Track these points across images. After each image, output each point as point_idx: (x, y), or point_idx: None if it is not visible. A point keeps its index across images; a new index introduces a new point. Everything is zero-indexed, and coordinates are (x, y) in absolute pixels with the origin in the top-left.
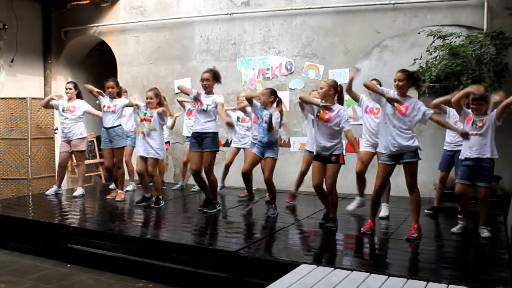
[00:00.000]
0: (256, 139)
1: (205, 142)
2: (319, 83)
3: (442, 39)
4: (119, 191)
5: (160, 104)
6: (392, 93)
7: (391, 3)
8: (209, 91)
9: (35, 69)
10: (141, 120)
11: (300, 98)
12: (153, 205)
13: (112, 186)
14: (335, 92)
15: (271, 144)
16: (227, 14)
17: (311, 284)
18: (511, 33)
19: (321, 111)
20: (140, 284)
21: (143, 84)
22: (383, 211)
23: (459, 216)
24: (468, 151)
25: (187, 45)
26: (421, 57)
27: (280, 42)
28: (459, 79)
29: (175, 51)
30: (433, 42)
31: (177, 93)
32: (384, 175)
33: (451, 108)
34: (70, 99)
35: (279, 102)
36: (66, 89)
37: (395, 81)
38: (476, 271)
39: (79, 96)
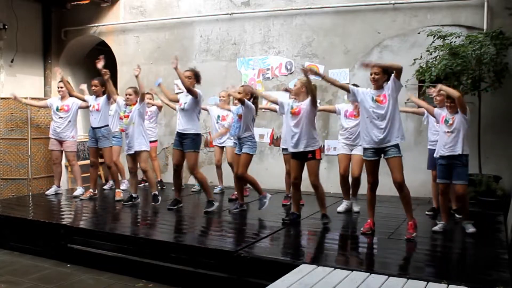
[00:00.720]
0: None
1: (185, 143)
2: (318, 83)
3: (442, 39)
4: (117, 190)
5: (141, 100)
6: (362, 91)
7: (391, 3)
8: None
9: (35, 69)
10: (121, 118)
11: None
12: (152, 203)
13: (107, 186)
14: (307, 91)
15: (245, 138)
16: (227, 14)
17: (311, 284)
18: (511, 33)
19: (293, 107)
20: (140, 284)
21: (143, 84)
22: (346, 206)
23: (457, 215)
24: (441, 149)
25: (187, 45)
26: (421, 57)
27: (280, 42)
28: (459, 79)
29: (175, 51)
30: (433, 42)
31: (177, 93)
32: (372, 170)
33: (436, 109)
34: (62, 97)
35: (256, 99)
36: (58, 87)
37: (371, 74)
38: (476, 271)
39: (70, 94)
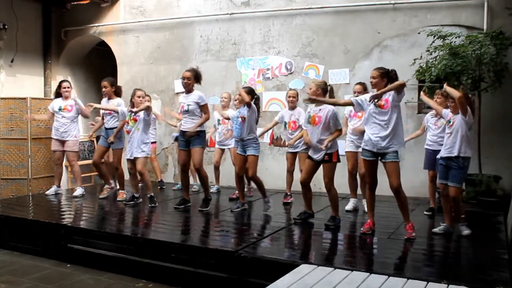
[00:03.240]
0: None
1: (192, 139)
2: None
3: (442, 39)
4: (120, 191)
5: (148, 110)
6: (364, 98)
7: (391, 3)
8: (189, 90)
9: (35, 69)
10: (127, 122)
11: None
12: (149, 205)
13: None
14: (324, 92)
15: (249, 140)
16: (227, 14)
17: (311, 284)
18: (511, 33)
19: (312, 114)
20: (140, 284)
21: (143, 84)
22: (353, 204)
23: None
24: (442, 149)
25: (187, 45)
26: (421, 57)
27: (280, 42)
28: (459, 79)
29: (175, 51)
30: (433, 42)
31: (177, 93)
32: (370, 170)
33: (444, 109)
34: (66, 97)
35: (257, 100)
36: (64, 88)
37: (370, 78)
38: (476, 271)
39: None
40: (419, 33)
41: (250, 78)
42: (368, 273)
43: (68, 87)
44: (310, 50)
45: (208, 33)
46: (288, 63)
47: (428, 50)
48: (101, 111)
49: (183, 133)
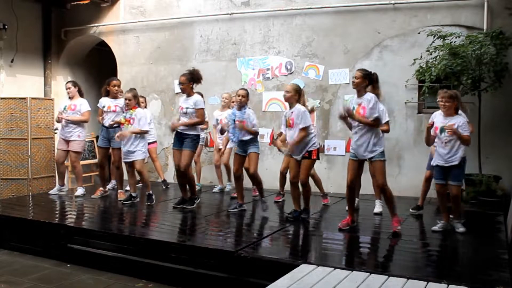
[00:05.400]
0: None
1: (185, 141)
2: (318, 83)
3: (442, 39)
4: (119, 190)
5: (138, 104)
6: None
7: (391, 3)
8: (188, 94)
9: (35, 69)
10: (122, 124)
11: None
12: (147, 203)
13: (110, 185)
14: (299, 95)
15: (248, 141)
16: (227, 14)
17: (311, 284)
18: (511, 33)
19: (287, 118)
20: (140, 284)
21: (143, 84)
22: (377, 208)
23: (451, 216)
24: (439, 158)
25: (187, 45)
26: (421, 57)
27: (280, 42)
28: (459, 79)
29: (175, 51)
30: (433, 42)
31: (177, 93)
32: (352, 171)
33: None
34: (72, 97)
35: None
36: (66, 88)
37: (353, 78)
38: (476, 271)
39: (81, 93)
40: (419, 33)
41: (250, 78)
42: (368, 273)
43: (69, 88)
44: (310, 50)
45: (208, 33)
46: (288, 63)
47: (428, 50)
48: (105, 109)
49: (178, 133)
